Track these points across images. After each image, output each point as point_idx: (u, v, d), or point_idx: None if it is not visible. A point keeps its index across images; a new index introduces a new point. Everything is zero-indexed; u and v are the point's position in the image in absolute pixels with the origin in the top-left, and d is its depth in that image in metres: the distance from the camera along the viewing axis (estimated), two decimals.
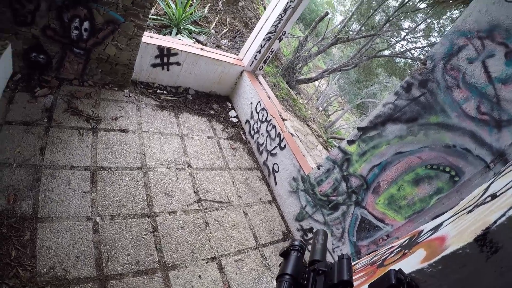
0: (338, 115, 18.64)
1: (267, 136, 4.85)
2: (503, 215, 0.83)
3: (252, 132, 5.21)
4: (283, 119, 4.88)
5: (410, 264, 1.01)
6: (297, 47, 12.43)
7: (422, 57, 10.75)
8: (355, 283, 1.39)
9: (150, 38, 4.50)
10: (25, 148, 3.20)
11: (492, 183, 1.42)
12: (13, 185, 2.89)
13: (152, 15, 6.64)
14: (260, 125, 5.02)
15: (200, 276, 3.13)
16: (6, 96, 3.50)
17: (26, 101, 3.58)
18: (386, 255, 1.53)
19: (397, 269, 0.94)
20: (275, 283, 0.93)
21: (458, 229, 1.03)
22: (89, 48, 3.93)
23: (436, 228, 1.33)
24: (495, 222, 0.83)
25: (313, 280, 0.92)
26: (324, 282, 0.90)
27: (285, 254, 1.00)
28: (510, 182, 1.13)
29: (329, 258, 3.68)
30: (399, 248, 1.47)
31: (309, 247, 1.06)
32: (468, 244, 0.84)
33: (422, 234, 1.44)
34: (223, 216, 3.83)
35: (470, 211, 1.19)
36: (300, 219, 4.11)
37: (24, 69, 3.80)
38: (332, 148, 9.75)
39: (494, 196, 1.11)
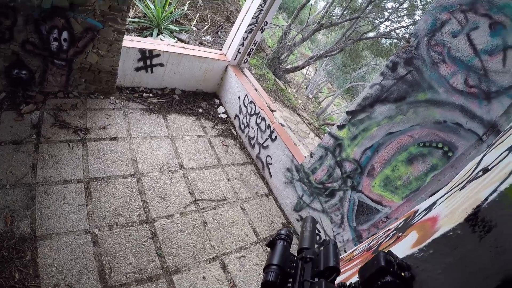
0: (329, 101, 18.58)
1: (257, 129, 4.82)
2: (495, 190, 0.79)
3: (242, 127, 5.17)
4: (272, 110, 4.85)
5: (402, 249, 0.99)
6: (281, 37, 12.32)
7: (407, 35, 10.71)
8: (351, 271, 1.38)
9: (131, 41, 4.42)
10: (16, 168, 3.15)
11: (484, 156, 1.39)
12: (9, 207, 2.85)
13: (131, 17, 6.54)
14: (250, 118, 4.98)
15: (204, 277, 3.12)
16: None
17: (12, 120, 3.52)
18: (382, 240, 1.51)
19: (386, 251, 0.93)
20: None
21: (450, 208, 1.01)
22: (70, 58, 3.86)
23: (430, 208, 1.32)
24: (486, 199, 0.79)
25: (301, 268, 0.92)
26: (312, 269, 0.89)
27: (271, 245, 0.99)
28: (501, 154, 1.10)
29: None
30: (395, 231, 1.45)
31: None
32: (459, 225, 0.81)
33: (417, 214, 1.43)
34: (221, 214, 3.81)
35: (462, 187, 1.17)
36: (298, 209, 4.11)
37: (7, 87, 3.73)
38: (324, 135, 9.72)
39: (486, 170, 1.08)
